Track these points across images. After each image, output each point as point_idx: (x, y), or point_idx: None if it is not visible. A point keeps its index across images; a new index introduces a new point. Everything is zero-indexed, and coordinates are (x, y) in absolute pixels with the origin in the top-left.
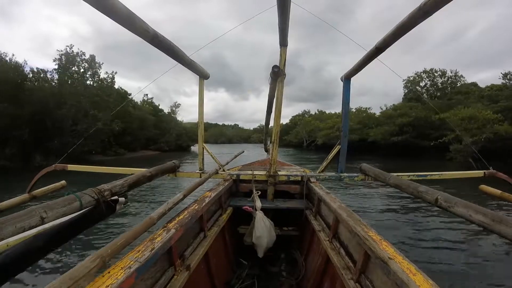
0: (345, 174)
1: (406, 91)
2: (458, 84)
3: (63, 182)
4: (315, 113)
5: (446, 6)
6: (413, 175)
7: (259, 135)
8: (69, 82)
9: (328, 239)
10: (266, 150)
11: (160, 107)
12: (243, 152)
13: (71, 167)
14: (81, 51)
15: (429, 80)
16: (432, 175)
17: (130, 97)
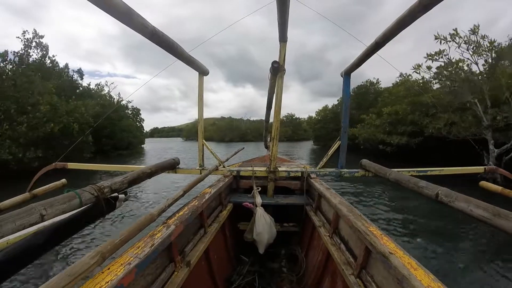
0: (345, 170)
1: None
2: None
3: (63, 180)
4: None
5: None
6: (413, 171)
7: (286, 129)
8: None
9: (328, 234)
10: (266, 147)
11: None
12: (243, 148)
13: (71, 165)
14: None
15: None
16: (432, 170)
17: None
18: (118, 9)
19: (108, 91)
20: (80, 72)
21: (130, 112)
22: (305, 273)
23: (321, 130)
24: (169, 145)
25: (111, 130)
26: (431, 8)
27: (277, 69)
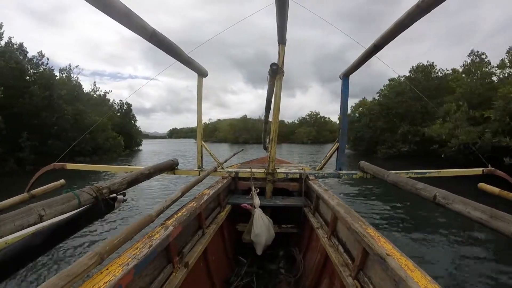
0: (344, 172)
1: None
2: None
3: (62, 181)
4: None
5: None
6: (412, 173)
7: (310, 130)
8: None
9: (326, 236)
10: (265, 148)
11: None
12: (242, 150)
13: (70, 165)
14: None
15: None
16: (430, 172)
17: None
18: (118, 11)
19: (76, 77)
20: (21, 49)
21: (118, 107)
22: (303, 275)
23: (363, 129)
24: (174, 147)
25: (61, 128)
26: (429, 11)
27: (276, 71)
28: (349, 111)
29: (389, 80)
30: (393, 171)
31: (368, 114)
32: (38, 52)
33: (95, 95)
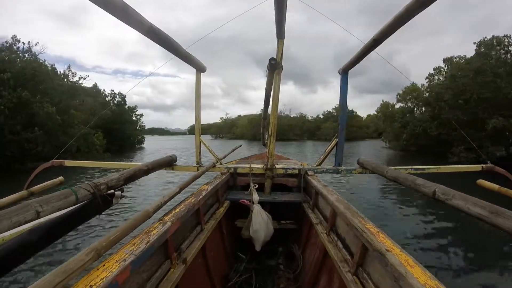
0: (343, 167)
1: None
2: None
3: (61, 178)
4: None
5: None
6: (411, 169)
7: (336, 125)
8: None
9: (325, 232)
10: (264, 144)
11: None
12: (241, 145)
13: (68, 162)
14: None
15: None
16: (429, 168)
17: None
18: (114, 6)
19: (44, 60)
20: None
21: (110, 99)
22: (302, 271)
23: (424, 124)
24: (186, 143)
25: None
26: (428, 6)
27: (275, 66)
28: (394, 100)
29: (443, 60)
30: (392, 167)
31: (433, 102)
32: (12, 36)
33: (70, 82)
